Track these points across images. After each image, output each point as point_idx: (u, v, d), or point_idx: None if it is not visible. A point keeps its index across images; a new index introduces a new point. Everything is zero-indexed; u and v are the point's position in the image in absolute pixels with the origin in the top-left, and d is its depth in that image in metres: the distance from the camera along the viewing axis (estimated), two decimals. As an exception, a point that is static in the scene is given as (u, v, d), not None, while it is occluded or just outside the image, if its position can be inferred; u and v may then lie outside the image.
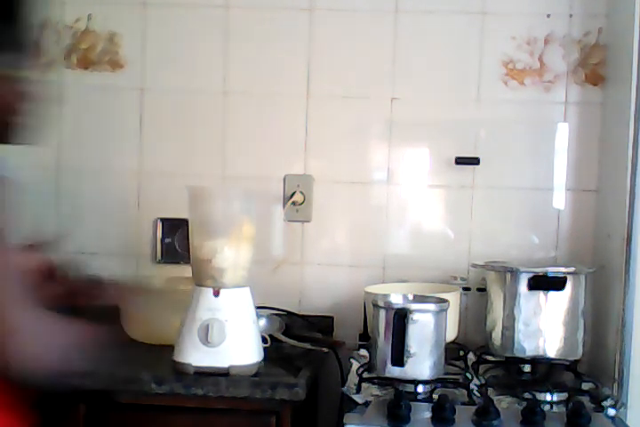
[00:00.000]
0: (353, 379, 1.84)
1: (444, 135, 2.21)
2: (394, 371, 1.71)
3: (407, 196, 2.24)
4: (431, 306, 1.74)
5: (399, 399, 1.61)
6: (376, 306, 1.73)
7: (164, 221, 2.25)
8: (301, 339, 2.06)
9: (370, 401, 1.69)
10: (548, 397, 1.77)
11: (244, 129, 2.26)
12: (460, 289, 2.08)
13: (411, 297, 1.86)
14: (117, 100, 2.25)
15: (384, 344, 1.73)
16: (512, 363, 1.95)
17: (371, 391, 1.77)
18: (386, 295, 1.83)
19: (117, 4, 2.25)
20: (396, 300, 1.80)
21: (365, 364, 1.91)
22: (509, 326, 1.91)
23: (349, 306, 2.20)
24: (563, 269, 1.92)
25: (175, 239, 2.24)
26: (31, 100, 1.28)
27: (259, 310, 1.88)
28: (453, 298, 1.96)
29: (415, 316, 1.61)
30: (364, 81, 2.22)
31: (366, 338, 2.05)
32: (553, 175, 2.20)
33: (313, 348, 2.02)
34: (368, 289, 2.02)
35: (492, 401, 1.63)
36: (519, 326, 1.90)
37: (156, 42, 2.25)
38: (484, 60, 2.20)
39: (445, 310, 1.76)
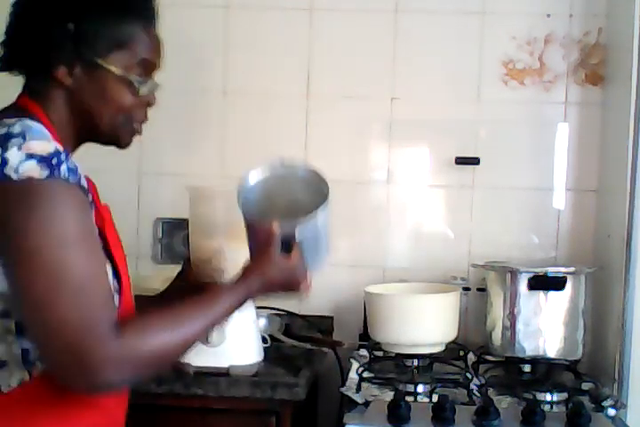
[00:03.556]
0: (353, 379, 1.84)
1: (444, 135, 2.21)
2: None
3: (407, 196, 2.24)
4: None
5: (399, 399, 1.61)
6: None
7: (163, 221, 2.25)
8: (301, 339, 2.06)
9: (370, 401, 1.69)
10: (548, 397, 1.77)
11: (243, 129, 2.26)
12: (460, 289, 2.08)
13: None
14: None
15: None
16: (512, 363, 1.95)
17: (371, 391, 1.77)
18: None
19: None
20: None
21: (365, 364, 1.91)
22: (509, 326, 1.91)
23: (349, 306, 2.20)
24: (563, 269, 1.92)
25: (175, 239, 2.24)
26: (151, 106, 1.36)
27: (259, 310, 1.88)
28: (453, 298, 1.96)
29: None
30: (364, 81, 2.22)
31: (366, 338, 2.06)
32: (553, 175, 2.20)
33: (313, 348, 2.02)
34: (368, 289, 2.02)
35: (492, 401, 1.62)
36: (519, 326, 1.90)
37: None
38: (483, 60, 2.20)
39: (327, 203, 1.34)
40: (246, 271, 1.32)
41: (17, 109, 1.24)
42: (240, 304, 1.27)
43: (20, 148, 1.11)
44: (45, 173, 1.10)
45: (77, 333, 1.04)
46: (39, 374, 1.14)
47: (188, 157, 2.27)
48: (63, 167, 1.12)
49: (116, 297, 1.20)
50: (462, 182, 2.21)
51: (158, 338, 1.12)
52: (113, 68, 1.24)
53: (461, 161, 2.18)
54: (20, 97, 1.28)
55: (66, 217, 1.10)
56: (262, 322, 2.03)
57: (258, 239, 1.35)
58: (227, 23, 2.24)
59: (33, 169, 1.10)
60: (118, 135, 1.33)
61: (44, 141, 1.14)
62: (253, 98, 2.25)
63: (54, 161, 1.12)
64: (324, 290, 2.23)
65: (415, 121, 2.22)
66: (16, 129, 1.15)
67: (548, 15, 2.17)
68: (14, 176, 1.10)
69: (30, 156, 1.11)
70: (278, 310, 2.15)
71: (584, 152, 2.18)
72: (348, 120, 2.22)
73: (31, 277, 1.06)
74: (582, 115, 2.18)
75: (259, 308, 1.87)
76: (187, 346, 1.17)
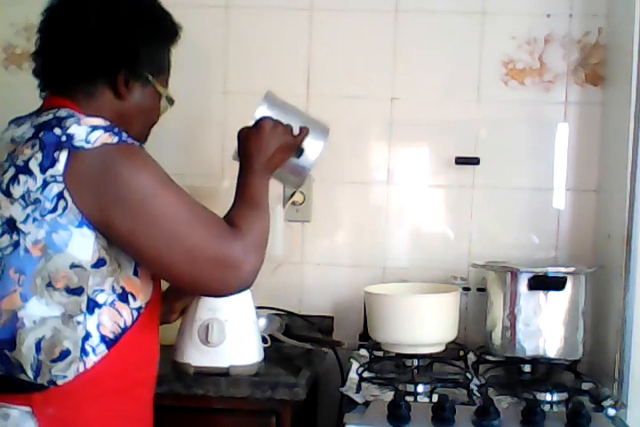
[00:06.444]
0: (353, 379, 1.84)
1: (444, 135, 2.21)
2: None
3: (407, 196, 2.24)
4: None
5: (399, 399, 1.61)
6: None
7: (164, 221, 2.25)
8: (301, 339, 2.06)
9: (370, 401, 1.69)
10: (548, 397, 1.77)
11: (244, 129, 2.25)
12: (460, 289, 2.08)
13: None
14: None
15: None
16: (512, 363, 1.95)
17: (371, 391, 1.77)
18: None
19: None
20: None
21: (365, 364, 1.91)
22: (509, 326, 1.91)
23: (349, 306, 2.20)
24: (563, 269, 1.92)
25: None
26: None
27: (259, 310, 1.88)
28: (453, 298, 1.96)
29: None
30: (364, 81, 2.22)
31: (366, 338, 2.06)
32: (553, 175, 2.20)
33: (313, 348, 2.02)
34: (368, 289, 2.02)
35: (492, 401, 1.62)
36: (519, 326, 1.90)
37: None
38: (484, 60, 2.20)
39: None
40: (245, 157, 1.47)
41: (51, 107, 1.31)
42: (267, 181, 1.44)
43: (79, 123, 1.21)
44: (115, 138, 1.21)
45: (220, 242, 1.25)
46: (90, 366, 1.21)
47: (188, 157, 2.26)
48: (124, 134, 1.24)
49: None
50: (462, 182, 2.21)
51: (256, 225, 1.32)
52: (159, 88, 1.43)
53: (461, 161, 2.18)
54: (47, 99, 1.35)
55: (156, 165, 1.25)
56: (262, 322, 2.03)
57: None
58: (227, 23, 2.24)
59: (103, 137, 1.20)
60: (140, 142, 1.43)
61: (96, 118, 1.25)
62: (253, 98, 2.24)
63: (116, 130, 1.23)
64: (324, 290, 2.24)
65: (415, 121, 2.22)
66: (62, 113, 1.25)
67: (548, 15, 2.17)
68: (87, 146, 1.19)
69: (93, 127, 1.21)
70: (278, 310, 2.15)
71: (584, 152, 2.18)
72: (348, 120, 2.22)
73: (164, 211, 1.22)
74: (582, 115, 2.18)
75: (259, 308, 1.87)
76: (268, 225, 1.37)
